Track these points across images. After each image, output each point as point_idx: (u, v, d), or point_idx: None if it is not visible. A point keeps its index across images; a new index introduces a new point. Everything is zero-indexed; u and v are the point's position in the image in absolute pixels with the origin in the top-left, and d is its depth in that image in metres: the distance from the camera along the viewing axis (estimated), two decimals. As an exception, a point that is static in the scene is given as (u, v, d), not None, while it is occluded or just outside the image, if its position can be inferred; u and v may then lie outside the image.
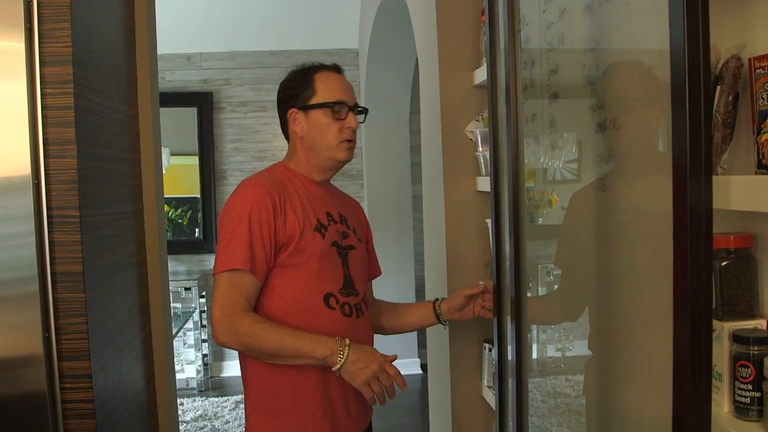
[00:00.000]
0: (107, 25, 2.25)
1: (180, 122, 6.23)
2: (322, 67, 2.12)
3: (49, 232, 1.86)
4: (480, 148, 2.61)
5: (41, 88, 1.85)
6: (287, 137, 2.17)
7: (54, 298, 1.87)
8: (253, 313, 1.91)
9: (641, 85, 1.31)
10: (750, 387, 1.16)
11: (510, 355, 1.98)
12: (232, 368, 6.32)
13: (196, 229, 6.36)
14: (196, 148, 6.33)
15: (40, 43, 1.84)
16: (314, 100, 2.06)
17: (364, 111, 2.16)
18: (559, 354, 1.87)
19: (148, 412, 2.56)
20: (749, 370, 1.16)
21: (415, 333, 6.18)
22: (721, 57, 1.22)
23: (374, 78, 5.75)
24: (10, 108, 1.83)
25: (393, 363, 1.93)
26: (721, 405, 1.21)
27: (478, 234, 2.69)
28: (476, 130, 2.62)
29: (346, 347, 1.87)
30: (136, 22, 2.57)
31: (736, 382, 1.18)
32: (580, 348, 1.79)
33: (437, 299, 2.30)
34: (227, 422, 5.12)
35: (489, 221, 2.57)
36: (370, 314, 2.19)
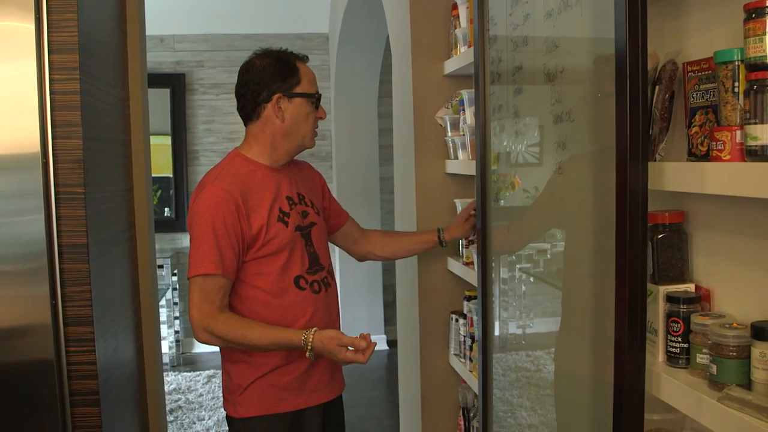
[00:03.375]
0: (103, 14, 2.40)
1: (152, 103, 6.30)
2: (296, 57, 2.21)
3: (56, 207, 2.02)
4: (449, 133, 2.81)
5: (50, 74, 2.00)
6: (251, 120, 2.19)
7: (61, 269, 2.04)
8: (228, 314, 2.09)
9: (591, 84, 1.51)
10: (679, 339, 1.38)
11: (477, 330, 2.19)
12: (203, 344, 6.46)
13: (166, 209, 6.48)
14: (167, 128, 6.44)
15: (48, 32, 2.00)
16: (300, 89, 2.16)
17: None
18: (520, 331, 2.06)
19: (138, 379, 2.73)
20: (679, 325, 1.38)
21: (382, 310, 6.41)
22: (660, 62, 1.44)
23: (344, 62, 5.91)
24: (21, 91, 1.99)
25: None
26: (657, 356, 1.42)
27: (447, 213, 2.89)
28: (446, 116, 2.82)
29: (310, 344, 2.03)
30: (128, 10, 2.72)
31: (669, 336, 1.40)
32: (540, 325, 1.98)
33: (439, 228, 2.57)
34: (200, 395, 5.29)
35: (457, 201, 2.78)
36: (362, 246, 2.54)
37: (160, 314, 6.19)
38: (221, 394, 5.22)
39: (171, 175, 6.44)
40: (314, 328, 2.05)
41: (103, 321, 2.21)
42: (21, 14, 1.97)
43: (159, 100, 6.34)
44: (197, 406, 5.08)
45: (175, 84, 6.39)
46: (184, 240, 6.46)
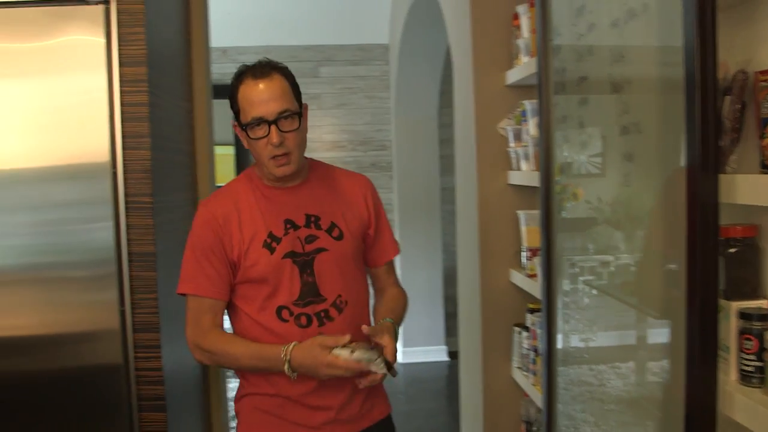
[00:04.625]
0: (170, 28, 2.46)
1: (216, 114, 6.45)
2: (247, 73, 1.94)
3: (126, 215, 2.08)
4: (512, 144, 2.78)
5: (120, 87, 2.06)
6: None
7: (130, 276, 2.09)
8: (218, 332, 1.95)
9: (660, 94, 1.48)
10: (753, 358, 1.33)
11: (542, 343, 2.15)
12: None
13: (230, 218, 6.58)
14: (230, 138, 6.53)
15: (119, 45, 2.06)
16: (241, 117, 1.93)
17: (298, 113, 1.92)
18: (582, 344, 2.02)
19: (203, 385, 2.78)
20: (752, 343, 1.34)
21: (443, 321, 6.36)
22: (730, 71, 1.40)
23: (404, 72, 5.92)
24: (91, 102, 2.06)
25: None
26: (729, 374, 1.38)
27: (509, 224, 2.87)
28: (508, 127, 2.80)
29: (288, 355, 1.85)
30: (192, 23, 2.78)
31: (742, 354, 1.36)
32: (603, 339, 1.93)
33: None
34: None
35: (520, 213, 2.75)
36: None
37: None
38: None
39: (234, 185, 6.54)
40: (295, 342, 1.87)
41: (169, 328, 2.25)
42: (92, 28, 2.04)
43: (223, 110, 6.44)
44: (258, 413, 5.13)
45: (239, 95, 6.48)
46: (246, 248, 6.54)
